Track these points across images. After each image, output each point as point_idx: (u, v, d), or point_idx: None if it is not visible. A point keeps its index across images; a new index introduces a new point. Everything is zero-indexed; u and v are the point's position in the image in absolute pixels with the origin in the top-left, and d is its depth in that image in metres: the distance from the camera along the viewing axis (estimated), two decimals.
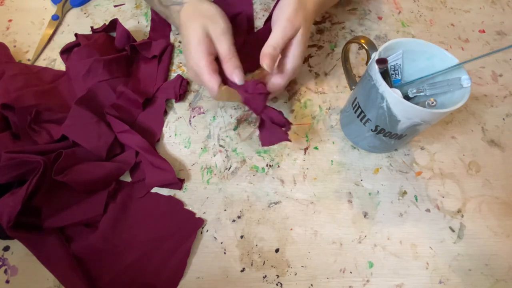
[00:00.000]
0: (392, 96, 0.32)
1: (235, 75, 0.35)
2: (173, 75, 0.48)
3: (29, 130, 0.39)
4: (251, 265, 0.36)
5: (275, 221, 0.38)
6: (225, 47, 0.36)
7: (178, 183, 0.39)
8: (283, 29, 0.35)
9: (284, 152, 0.42)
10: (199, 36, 0.35)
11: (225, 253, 0.36)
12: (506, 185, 0.41)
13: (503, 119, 0.46)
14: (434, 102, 0.34)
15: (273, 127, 0.37)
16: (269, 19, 0.52)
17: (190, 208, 0.38)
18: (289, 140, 0.37)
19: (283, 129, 0.37)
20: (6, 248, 0.36)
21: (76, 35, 0.47)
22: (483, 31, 0.54)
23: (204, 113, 0.45)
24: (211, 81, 0.34)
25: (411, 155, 0.43)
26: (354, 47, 0.51)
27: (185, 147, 0.42)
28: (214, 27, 0.36)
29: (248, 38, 0.49)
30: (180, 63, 0.49)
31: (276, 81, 0.37)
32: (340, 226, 0.38)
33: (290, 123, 0.37)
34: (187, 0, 0.39)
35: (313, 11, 0.39)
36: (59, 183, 0.35)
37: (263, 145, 0.39)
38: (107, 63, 0.44)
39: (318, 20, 0.54)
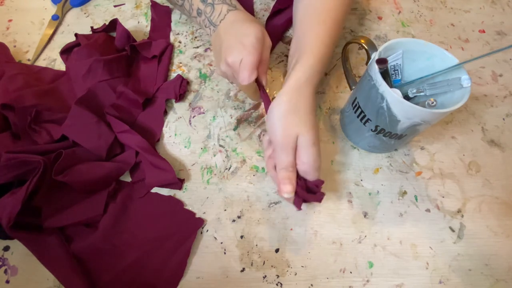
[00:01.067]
0: (392, 96, 0.32)
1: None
2: (173, 75, 0.48)
3: (29, 130, 0.39)
4: (251, 265, 0.36)
5: (275, 221, 0.38)
6: (266, 56, 0.38)
7: (178, 183, 0.39)
8: (282, 151, 0.33)
9: None
10: (260, 36, 0.37)
11: (225, 253, 0.36)
12: (506, 185, 0.41)
13: (503, 119, 0.46)
14: (434, 102, 0.34)
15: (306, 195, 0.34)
16: (269, 19, 0.52)
17: (190, 208, 0.38)
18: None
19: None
20: (6, 248, 0.36)
21: (76, 35, 0.47)
22: (483, 31, 0.54)
23: (204, 113, 0.45)
24: (254, 70, 0.35)
25: (411, 155, 0.43)
26: (354, 47, 0.51)
27: (185, 147, 0.42)
28: (267, 37, 0.38)
29: None
30: (180, 63, 0.49)
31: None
32: (340, 226, 0.38)
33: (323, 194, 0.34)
34: (239, 8, 0.41)
35: (311, 102, 0.35)
36: (59, 183, 0.35)
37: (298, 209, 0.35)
38: (107, 63, 0.44)
39: None
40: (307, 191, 0.34)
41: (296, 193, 0.33)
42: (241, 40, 0.37)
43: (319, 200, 0.34)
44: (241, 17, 0.39)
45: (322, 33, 0.38)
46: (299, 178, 0.34)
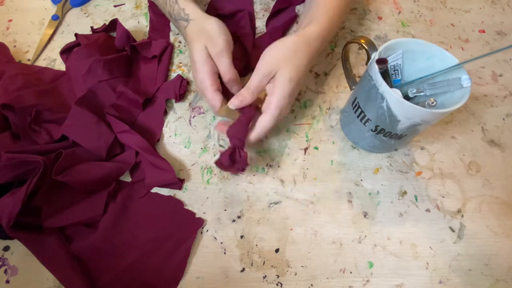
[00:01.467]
0: (392, 96, 0.32)
1: (234, 91, 0.39)
2: (173, 75, 0.48)
3: (29, 130, 0.39)
4: (251, 265, 0.36)
5: (275, 221, 0.38)
6: (223, 65, 0.38)
7: (178, 183, 0.39)
8: (258, 73, 0.36)
9: (284, 152, 0.42)
10: (203, 57, 0.38)
11: (225, 253, 0.36)
12: (506, 185, 0.41)
13: (503, 119, 0.46)
14: (434, 102, 0.34)
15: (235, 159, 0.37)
16: (269, 19, 0.52)
17: (190, 208, 0.38)
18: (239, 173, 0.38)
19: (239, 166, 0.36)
20: (6, 248, 0.36)
21: (76, 35, 0.47)
22: (483, 31, 0.54)
23: (204, 113, 0.45)
24: (214, 99, 0.37)
25: (411, 155, 0.43)
26: (354, 47, 0.51)
27: (185, 147, 0.42)
28: (213, 48, 0.38)
29: (254, 41, 0.50)
30: (180, 63, 0.49)
31: (263, 121, 0.36)
32: (340, 226, 0.38)
33: (247, 164, 0.37)
34: (193, 17, 0.40)
35: (306, 56, 0.37)
36: (59, 183, 0.35)
37: (218, 165, 0.37)
38: (107, 63, 0.44)
39: None
40: (231, 160, 0.36)
41: (221, 158, 0.36)
42: (194, 66, 0.39)
43: (240, 169, 0.36)
44: (190, 37, 0.40)
45: (329, 14, 0.40)
46: (231, 147, 0.36)
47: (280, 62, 0.36)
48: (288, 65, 0.36)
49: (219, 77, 0.39)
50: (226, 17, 0.52)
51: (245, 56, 0.47)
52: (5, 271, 0.35)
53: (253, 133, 0.36)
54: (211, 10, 0.53)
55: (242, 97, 0.36)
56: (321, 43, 0.39)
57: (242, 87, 0.38)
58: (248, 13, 0.52)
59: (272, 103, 0.35)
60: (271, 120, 0.36)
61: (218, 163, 0.37)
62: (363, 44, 0.37)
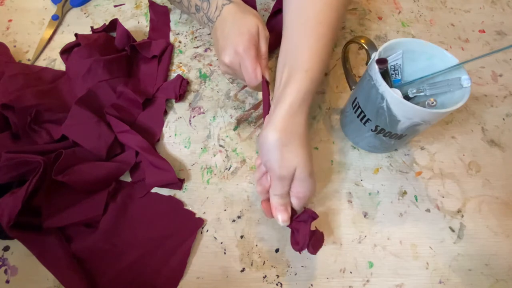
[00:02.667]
0: (392, 96, 0.32)
1: (266, 75, 0.38)
2: (173, 75, 0.48)
3: (29, 130, 0.39)
4: (251, 265, 0.36)
5: (275, 221, 0.38)
6: (265, 49, 0.38)
7: (178, 183, 0.39)
8: (278, 179, 0.32)
9: None
10: (256, 29, 0.37)
11: (225, 253, 0.36)
12: (506, 185, 0.41)
13: (503, 119, 0.46)
14: (434, 102, 0.34)
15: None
16: (269, 19, 0.52)
17: (190, 208, 0.38)
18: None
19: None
20: (6, 248, 0.36)
21: (76, 35, 0.47)
22: (483, 31, 0.54)
23: (204, 113, 0.45)
24: (257, 68, 0.36)
25: (411, 155, 0.43)
26: (354, 47, 0.51)
27: (185, 147, 0.42)
28: (263, 29, 0.38)
29: None
30: (180, 63, 0.49)
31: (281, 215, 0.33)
32: (340, 226, 0.38)
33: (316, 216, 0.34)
34: (236, 0, 0.40)
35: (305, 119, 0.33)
36: (59, 183, 0.35)
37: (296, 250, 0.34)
38: (107, 63, 0.44)
39: None
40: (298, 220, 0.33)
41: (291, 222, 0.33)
42: (236, 39, 0.36)
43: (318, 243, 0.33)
44: (235, 11, 0.39)
45: (316, 46, 0.34)
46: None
47: (291, 161, 0.32)
48: (299, 160, 0.32)
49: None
50: None
51: None
52: (5, 271, 0.35)
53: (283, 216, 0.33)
54: None
55: (284, 207, 0.33)
56: (311, 96, 0.34)
57: None
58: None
59: (300, 204, 0.33)
60: (299, 206, 0.34)
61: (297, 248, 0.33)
62: (363, 44, 0.37)
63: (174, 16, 0.54)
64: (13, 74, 0.43)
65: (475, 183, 0.41)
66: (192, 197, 0.39)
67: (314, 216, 0.33)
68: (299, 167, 0.32)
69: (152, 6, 0.53)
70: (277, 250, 0.36)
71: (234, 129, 0.44)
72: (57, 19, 0.52)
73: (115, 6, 0.55)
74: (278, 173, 0.32)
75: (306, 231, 0.32)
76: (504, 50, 0.31)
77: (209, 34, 0.52)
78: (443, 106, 0.34)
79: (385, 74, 0.34)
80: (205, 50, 0.50)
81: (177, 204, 0.38)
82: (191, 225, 0.37)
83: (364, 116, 0.37)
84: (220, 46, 0.38)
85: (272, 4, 0.54)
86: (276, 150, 0.31)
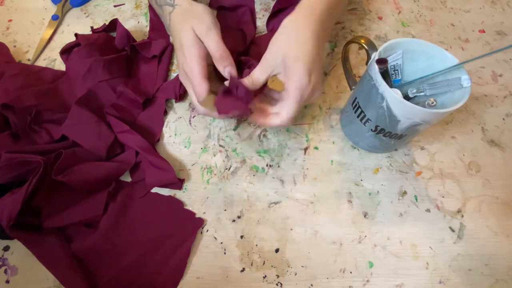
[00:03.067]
0: (392, 96, 0.32)
1: (227, 71, 0.36)
2: (173, 75, 0.48)
3: (29, 130, 0.39)
4: (251, 265, 0.36)
5: (275, 221, 0.38)
6: (213, 43, 0.35)
7: (178, 183, 0.39)
8: (262, 65, 0.35)
9: (284, 152, 0.42)
10: (191, 39, 0.35)
11: (225, 253, 0.36)
12: (506, 185, 0.41)
13: (503, 119, 0.46)
14: (434, 102, 0.34)
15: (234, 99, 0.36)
16: (270, 19, 0.52)
17: (190, 208, 0.38)
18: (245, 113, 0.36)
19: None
20: (6, 248, 0.36)
21: (76, 35, 0.47)
22: (483, 31, 0.54)
23: None
24: (201, 85, 0.35)
25: (411, 155, 0.43)
26: (354, 47, 0.51)
27: (185, 147, 0.42)
28: (200, 26, 0.36)
29: (254, 39, 0.49)
30: None
31: (286, 106, 0.35)
32: (340, 226, 0.38)
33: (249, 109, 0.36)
34: (179, 3, 0.39)
35: (316, 36, 0.35)
36: (59, 183, 0.35)
37: (219, 112, 0.36)
38: (107, 63, 0.44)
39: None
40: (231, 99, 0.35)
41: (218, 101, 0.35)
42: (181, 50, 0.36)
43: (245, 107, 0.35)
44: (177, 18, 0.38)
45: None
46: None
47: (283, 49, 0.34)
48: (292, 48, 0.34)
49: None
50: (228, 10, 0.52)
51: (240, 52, 0.47)
52: (5, 271, 0.35)
53: (278, 119, 0.35)
54: (213, 2, 0.53)
55: (251, 84, 0.35)
56: (325, 5, 0.36)
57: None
58: (249, 9, 0.52)
59: (289, 88, 0.34)
60: (293, 103, 0.34)
61: (220, 108, 0.34)
62: (363, 44, 0.37)
63: None
64: (13, 74, 0.43)
65: (475, 183, 0.41)
66: (192, 197, 0.39)
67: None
68: (290, 53, 0.33)
69: (152, 6, 0.53)
70: (277, 250, 0.36)
71: (234, 129, 0.44)
72: (57, 19, 0.52)
73: (115, 6, 0.55)
74: (265, 57, 0.35)
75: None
76: (504, 50, 0.31)
77: None
78: (443, 106, 0.34)
79: (385, 74, 0.34)
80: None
81: (177, 204, 0.38)
82: (191, 225, 0.37)
83: (364, 116, 0.37)
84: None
85: (272, 4, 0.54)
86: (278, 37, 0.35)
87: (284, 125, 0.35)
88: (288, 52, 0.34)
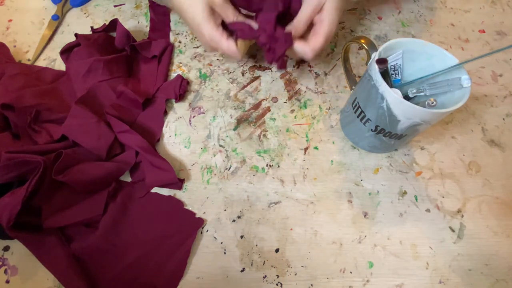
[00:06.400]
0: (392, 96, 0.32)
1: (249, 22, 0.40)
2: (173, 75, 0.48)
3: (29, 130, 0.39)
4: (251, 265, 0.36)
5: (275, 221, 0.38)
6: (230, 16, 0.39)
7: (178, 183, 0.39)
8: (308, 5, 0.38)
9: (284, 152, 0.42)
10: (205, 14, 0.38)
11: (225, 253, 0.36)
12: (506, 185, 0.41)
13: (503, 119, 0.46)
14: (434, 102, 0.34)
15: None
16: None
17: (190, 208, 0.38)
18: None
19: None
20: (6, 248, 0.36)
21: (76, 35, 0.47)
22: (483, 31, 0.54)
23: (204, 113, 0.45)
24: (231, 46, 0.39)
25: (411, 155, 0.43)
26: (354, 47, 0.51)
27: (185, 147, 0.42)
28: (211, 1, 0.38)
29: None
30: (180, 63, 0.49)
31: (315, 40, 0.39)
32: (340, 226, 0.38)
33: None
34: None
35: None
36: (59, 183, 0.35)
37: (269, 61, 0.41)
38: (107, 63, 0.44)
39: None
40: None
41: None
42: (197, 26, 0.39)
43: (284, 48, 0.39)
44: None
45: None
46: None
47: None
48: None
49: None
50: None
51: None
52: (5, 271, 0.35)
53: (307, 46, 0.39)
54: None
55: (294, 29, 0.39)
56: None
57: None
58: None
59: (322, 27, 0.38)
60: (323, 40, 0.38)
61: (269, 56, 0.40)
62: (363, 44, 0.37)
63: (174, 16, 0.54)
64: (13, 74, 0.43)
65: (475, 183, 0.41)
66: (192, 197, 0.39)
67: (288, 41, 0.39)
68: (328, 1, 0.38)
69: (152, 6, 0.53)
70: (277, 250, 0.36)
71: (234, 129, 0.44)
72: (57, 19, 0.52)
73: (115, 6, 0.55)
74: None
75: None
76: (504, 50, 0.31)
77: None
78: (443, 106, 0.34)
79: (385, 74, 0.34)
80: (205, 50, 0.50)
81: (177, 204, 0.38)
82: (191, 225, 0.37)
83: (364, 116, 0.37)
84: (191, 30, 0.41)
85: None
86: None
87: (308, 55, 0.39)
88: (331, 2, 0.38)
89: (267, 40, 0.39)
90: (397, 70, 0.37)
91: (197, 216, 0.38)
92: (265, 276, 0.35)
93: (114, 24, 0.50)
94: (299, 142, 0.43)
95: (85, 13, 0.54)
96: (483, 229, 0.38)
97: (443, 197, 0.40)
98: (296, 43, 0.39)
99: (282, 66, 0.42)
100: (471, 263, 0.36)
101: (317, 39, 0.38)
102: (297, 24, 0.39)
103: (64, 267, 0.34)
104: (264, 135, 0.43)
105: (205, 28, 0.38)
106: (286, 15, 0.43)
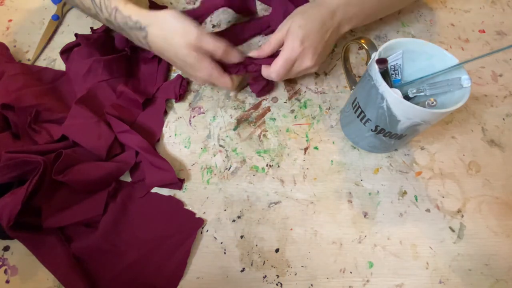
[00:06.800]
0: (392, 96, 0.32)
1: (233, 58, 0.39)
2: (173, 75, 0.48)
3: (29, 130, 0.39)
4: (251, 265, 0.36)
5: (275, 221, 0.38)
6: (210, 45, 0.37)
7: (178, 183, 0.39)
8: (277, 31, 0.40)
9: (284, 152, 0.42)
10: (194, 54, 0.37)
11: (225, 253, 0.36)
12: (506, 185, 0.41)
13: (503, 119, 0.46)
14: (434, 102, 0.34)
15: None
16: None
17: (190, 208, 0.38)
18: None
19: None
20: (6, 248, 0.36)
21: (76, 35, 0.47)
22: (483, 31, 0.54)
23: (204, 113, 0.45)
24: (226, 80, 0.40)
25: (411, 155, 0.43)
26: (354, 47, 0.51)
27: (185, 147, 0.42)
28: (190, 38, 0.36)
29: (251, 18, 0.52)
30: None
31: (275, 61, 0.39)
32: (340, 226, 0.38)
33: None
34: (146, 23, 0.37)
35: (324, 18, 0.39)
36: (59, 183, 0.35)
37: (255, 92, 0.45)
38: (107, 63, 0.44)
39: None
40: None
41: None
42: (190, 67, 0.38)
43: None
44: (160, 44, 0.37)
45: None
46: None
47: (292, 17, 0.40)
48: (298, 17, 0.39)
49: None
50: None
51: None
52: (5, 271, 0.35)
53: (267, 69, 0.40)
54: None
55: (261, 49, 0.41)
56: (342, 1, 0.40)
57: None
58: None
59: (283, 47, 0.39)
60: (281, 59, 0.39)
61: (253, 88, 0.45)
62: (363, 44, 0.37)
63: None
64: (13, 74, 0.43)
65: (475, 183, 0.41)
66: (192, 197, 0.39)
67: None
68: (295, 21, 0.39)
69: (152, 6, 0.53)
70: (277, 250, 0.36)
71: (234, 129, 0.44)
72: (57, 19, 0.52)
73: None
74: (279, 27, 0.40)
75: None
76: (504, 50, 0.31)
77: None
78: (443, 106, 0.34)
79: (385, 74, 0.34)
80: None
81: (177, 204, 0.38)
82: (191, 225, 0.37)
83: (364, 116, 0.37)
84: (180, 68, 0.42)
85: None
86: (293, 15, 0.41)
87: (271, 77, 0.40)
88: (294, 21, 0.39)
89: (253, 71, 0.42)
90: (397, 70, 0.37)
91: (197, 216, 0.38)
92: (265, 276, 0.35)
93: None
94: (299, 142, 0.43)
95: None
96: (483, 229, 0.38)
97: (443, 197, 0.40)
98: (263, 70, 0.41)
99: (260, 94, 0.46)
100: (471, 263, 0.36)
101: (276, 61, 0.39)
102: (263, 46, 0.41)
103: (64, 267, 0.34)
104: (264, 135, 0.43)
105: (201, 66, 0.38)
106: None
